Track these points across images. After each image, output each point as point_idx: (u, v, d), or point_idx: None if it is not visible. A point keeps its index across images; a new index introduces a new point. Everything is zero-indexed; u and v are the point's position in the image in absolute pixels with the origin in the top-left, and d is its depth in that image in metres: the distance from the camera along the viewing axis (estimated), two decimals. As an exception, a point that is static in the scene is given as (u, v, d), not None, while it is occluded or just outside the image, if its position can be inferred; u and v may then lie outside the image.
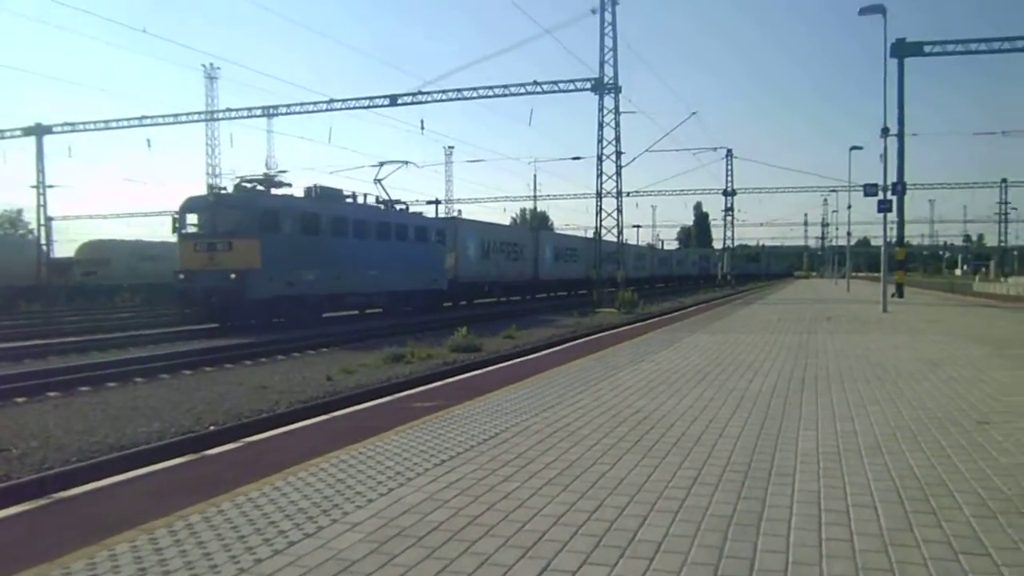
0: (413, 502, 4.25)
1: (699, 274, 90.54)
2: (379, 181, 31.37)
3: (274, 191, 25.21)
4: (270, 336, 19.34)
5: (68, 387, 11.79)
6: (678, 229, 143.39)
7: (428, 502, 4.26)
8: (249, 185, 25.05)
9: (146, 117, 47.68)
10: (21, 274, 38.47)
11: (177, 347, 17.09)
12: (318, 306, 25.06)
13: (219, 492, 4.46)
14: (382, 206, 30.52)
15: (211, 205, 23.65)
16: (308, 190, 26.41)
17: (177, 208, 23.97)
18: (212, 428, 8.92)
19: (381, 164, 31.72)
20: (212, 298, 22.24)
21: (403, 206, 32.56)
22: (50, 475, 6.85)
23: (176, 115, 48.74)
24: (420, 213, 35.39)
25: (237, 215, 23.01)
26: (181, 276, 22.95)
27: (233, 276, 21.63)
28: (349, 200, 28.09)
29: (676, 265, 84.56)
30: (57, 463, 7.45)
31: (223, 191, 23.95)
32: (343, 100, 43.50)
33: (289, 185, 25.76)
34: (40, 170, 51.08)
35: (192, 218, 23.64)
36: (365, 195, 29.38)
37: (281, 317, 23.43)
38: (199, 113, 54.94)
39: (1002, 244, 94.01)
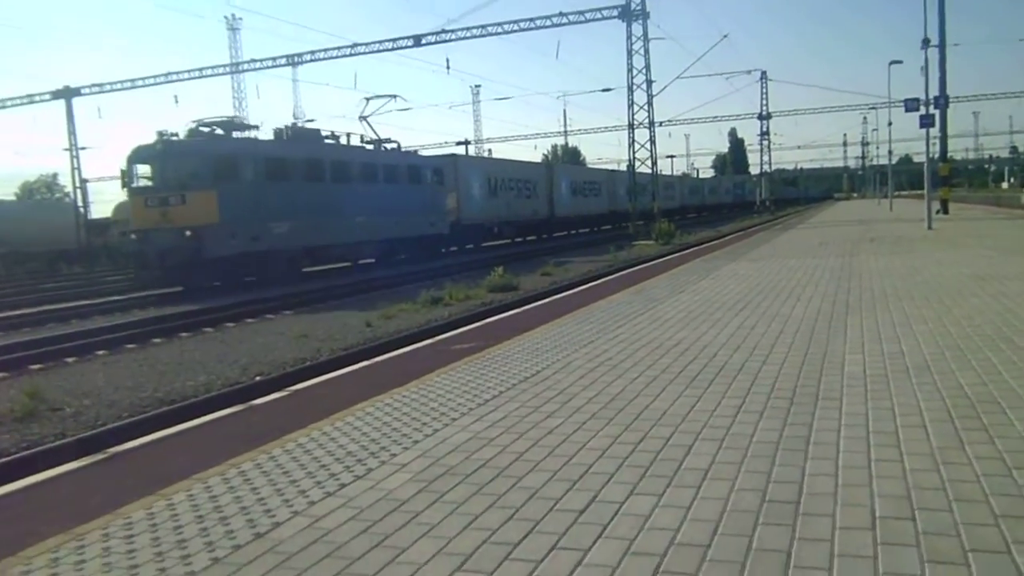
0: (459, 441, 4.29)
1: (733, 201, 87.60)
2: (365, 118, 29.01)
3: (236, 135, 22.96)
4: (309, 286, 19.58)
5: (115, 345, 12.08)
6: (714, 157, 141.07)
7: (474, 440, 4.30)
8: (206, 129, 22.39)
9: (172, 73, 47.89)
10: (61, 238, 39.16)
11: (220, 301, 17.35)
12: (294, 261, 22.56)
13: (269, 439, 4.54)
14: (370, 146, 28.00)
15: (160, 154, 20.79)
16: (278, 132, 24.16)
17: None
18: (258, 378, 9.09)
19: (368, 100, 29.55)
20: (167, 260, 19.92)
21: (394, 144, 29.54)
22: (104, 431, 7.06)
23: (201, 69, 48.78)
24: (415, 151, 32.11)
25: (190, 164, 20.53)
26: (132, 236, 20.96)
27: (188, 234, 19.31)
28: (330, 141, 25.75)
29: (709, 193, 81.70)
30: (110, 419, 7.67)
31: (174, 137, 21.26)
32: (367, 44, 43.09)
33: (255, 127, 23.60)
34: (72, 132, 51.70)
35: (142, 169, 21.30)
36: (348, 135, 26.90)
37: (250, 275, 21.17)
38: (224, 66, 54.77)
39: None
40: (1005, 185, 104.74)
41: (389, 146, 29.11)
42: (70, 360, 11.11)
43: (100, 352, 11.63)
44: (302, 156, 23.30)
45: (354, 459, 4.07)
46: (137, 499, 3.64)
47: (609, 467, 3.74)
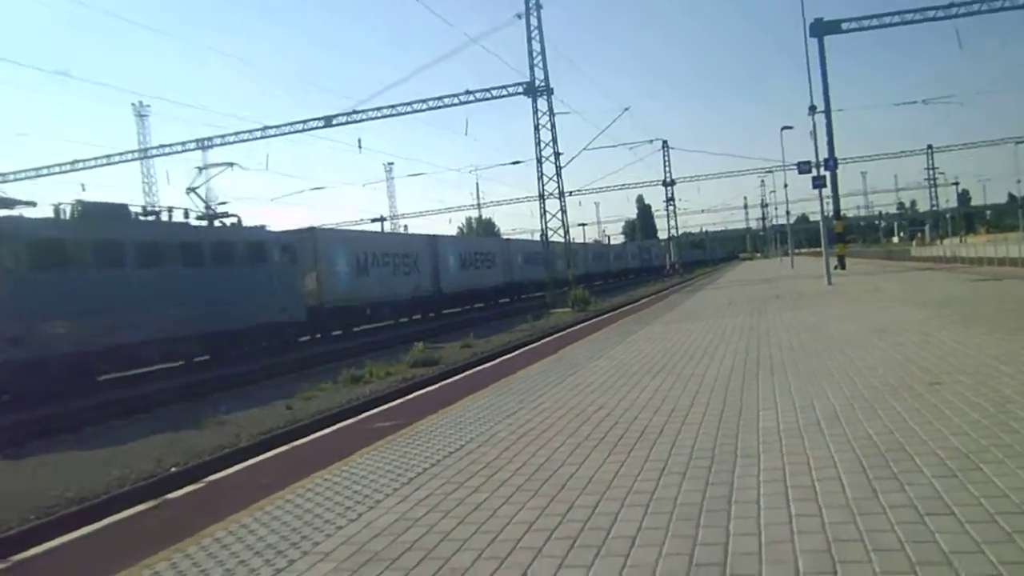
0: (383, 524, 4.20)
1: (640, 266, 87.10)
2: (194, 190, 25.55)
3: None
4: (228, 369, 19.02)
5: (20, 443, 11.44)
6: (623, 223, 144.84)
7: (399, 522, 4.21)
8: None
9: (78, 161, 46.82)
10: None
11: (128, 391, 16.63)
12: (81, 367, 17.72)
13: (185, 536, 4.34)
14: (202, 222, 24.06)
15: None
16: (58, 208, 19.29)
17: None
18: (173, 469, 8.72)
19: (200, 169, 26.89)
20: None
21: (233, 219, 25.09)
22: (9, 536, 6.62)
23: (108, 156, 47.95)
24: (263, 227, 26.74)
25: None
26: None
27: None
28: (144, 218, 21.91)
29: (614, 260, 79.37)
30: (13, 523, 7.20)
31: None
32: (277, 126, 43.24)
33: (32, 204, 18.80)
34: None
35: None
36: (171, 209, 22.88)
37: (5, 392, 16.46)
38: (132, 152, 54.03)
39: (934, 208, 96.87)
40: (895, 239, 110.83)
41: (228, 221, 24.81)
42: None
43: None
44: (90, 237, 18.59)
45: (274, 551, 3.93)
46: (41, 611, 3.42)
47: (537, 541, 3.71)
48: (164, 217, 22.44)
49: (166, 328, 19.71)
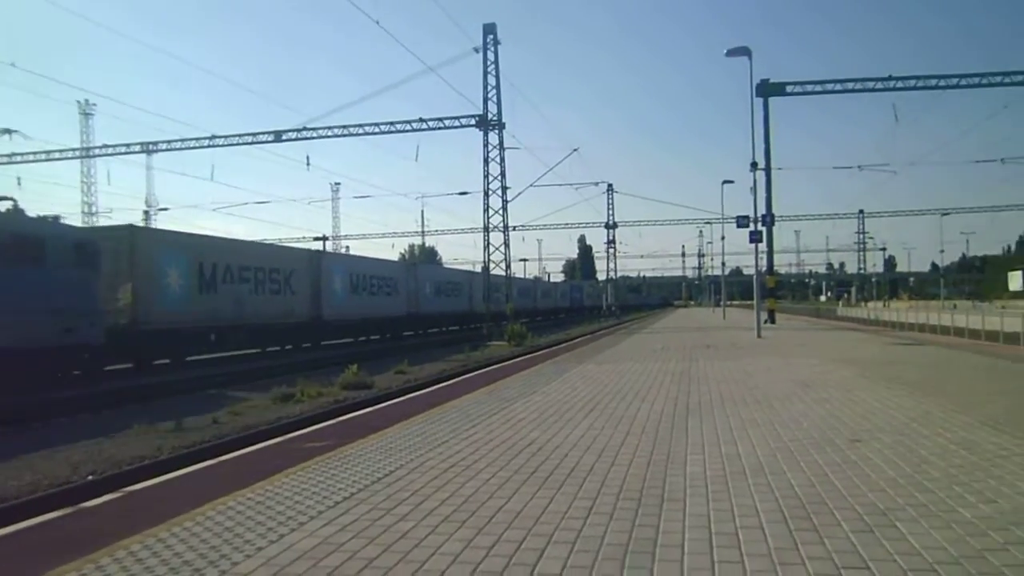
0: (306, 547, 4.12)
1: (570, 306, 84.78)
2: None
3: None
4: (155, 378, 18.45)
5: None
6: (564, 262, 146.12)
7: (322, 546, 4.14)
8: None
9: (16, 154, 45.30)
10: None
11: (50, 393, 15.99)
12: None
13: (98, 547, 4.19)
14: None
15: None
16: None
17: None
18: (90, 478, 8.40)
19: None
20: None
21: (7, 203, 17.85)
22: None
23: (48, 152, 46.49)
24: (57, 218, 20.81)
25: None
26: None
27: None
28: None
29: (541, 297, 74.56)
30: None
31: None
32: (226, 136, 42.77)
33: None
34: None
35: None
36: None
37: None
38: (73, 150, 52.57)
39: (861, 271, 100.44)
40: (823, 298, 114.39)
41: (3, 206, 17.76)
42: None
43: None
44: None
45: (190, 569, 3.81)
46: (-63, 619, 3.25)
47: (462, 573, 3.69)
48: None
49: None
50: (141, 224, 22.23)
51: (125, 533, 4.44)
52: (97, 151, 52.49)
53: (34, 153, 45.75)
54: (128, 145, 45.95)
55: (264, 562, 3.89)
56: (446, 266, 79.42)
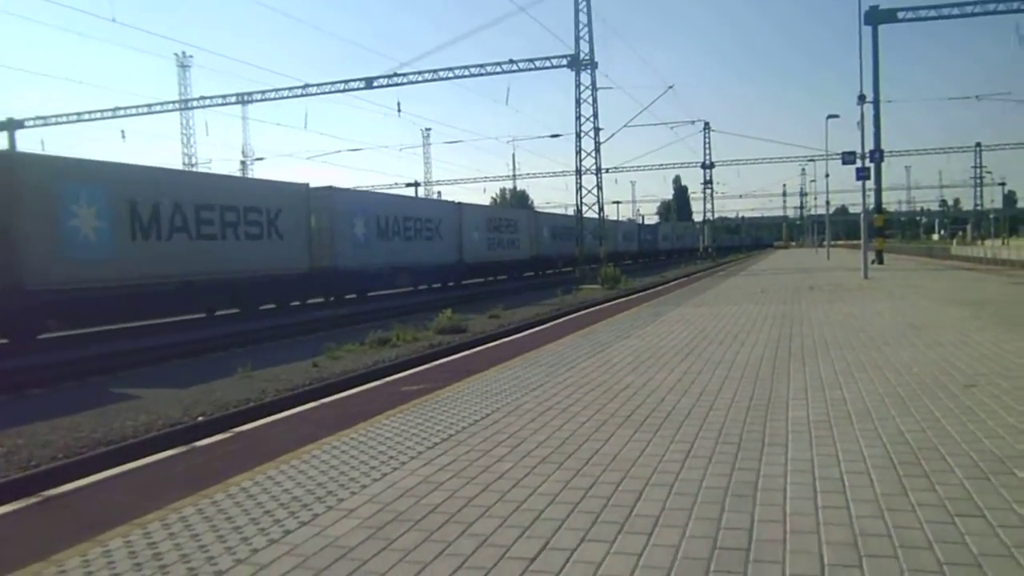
0: (408, 485, 4.23)
1: (671, 248, 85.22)
2: None
3: None
4: (262, 323, 19.23)
5: (52, 383, 11.67)
6: (659, 203, 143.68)
7: (423, 485, 4.24)
8: None
9: (119, 108, 47.57)
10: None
11: (159, 339, 16.89)
12: None
13: (212, 483, 4.41)
14: None
15: None
16: None
17: None
18: (200, 419, 8.84)
19: None
20: None
21: None
22: (38, 472, 6.78)
23: (150, 105, 48.61)
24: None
25: None
26: None
27: None
28: None
29: (645, 239, 74.99)
30: (44, 460, 7.37)
31: None
32: (318, 85, 43.29)
33: None
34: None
35: None
36: None
37: None
38: (173, 102, 54.67)
39: (978, 208, 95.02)
40: (936, 237, 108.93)
41: None
42: (1, 398, 10.68)
43: (35, 391, 11.21)
44: None
45: (299, 504, 3.97)
46: (72, 546, 3.49)
47: (560, 513, 3.71)
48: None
49: None
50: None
51: (235, 471, 4.66)
52: (195, 103, 54.21)
53: (136, 107, 47.71)
54: (224, 96, 47.31)
55: (369, 499, 4.02)
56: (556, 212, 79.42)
